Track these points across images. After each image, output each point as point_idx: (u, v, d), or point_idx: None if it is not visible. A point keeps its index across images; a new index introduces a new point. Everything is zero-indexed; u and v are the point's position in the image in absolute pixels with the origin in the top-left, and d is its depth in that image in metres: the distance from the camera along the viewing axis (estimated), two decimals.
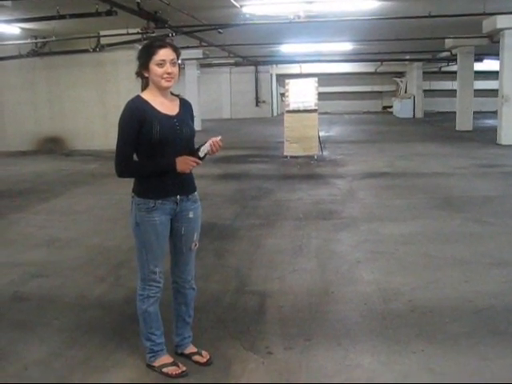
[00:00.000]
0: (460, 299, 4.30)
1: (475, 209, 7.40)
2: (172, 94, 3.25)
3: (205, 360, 3.36)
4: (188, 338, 3.46)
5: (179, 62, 3.16)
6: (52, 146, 16.00)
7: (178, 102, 3.24)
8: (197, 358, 3.38)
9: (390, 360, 3.35)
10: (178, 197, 3.18)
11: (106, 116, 15.78)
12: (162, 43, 3.12)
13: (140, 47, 3.26)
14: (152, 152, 3.11)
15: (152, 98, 3.14)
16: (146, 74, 3.12)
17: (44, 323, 4.06)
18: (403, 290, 4.51)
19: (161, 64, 3.05)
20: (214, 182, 9.90)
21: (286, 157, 12.80)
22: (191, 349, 3.44)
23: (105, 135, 15.77)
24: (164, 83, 3.08)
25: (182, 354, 3.43)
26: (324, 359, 3.40)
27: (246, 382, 3.17)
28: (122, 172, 3.20)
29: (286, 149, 13.02)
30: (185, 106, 3.26)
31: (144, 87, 3.20)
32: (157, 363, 3.29)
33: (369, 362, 3.34)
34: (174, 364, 3.28)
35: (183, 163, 3.07)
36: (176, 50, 3.12)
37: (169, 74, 3.06)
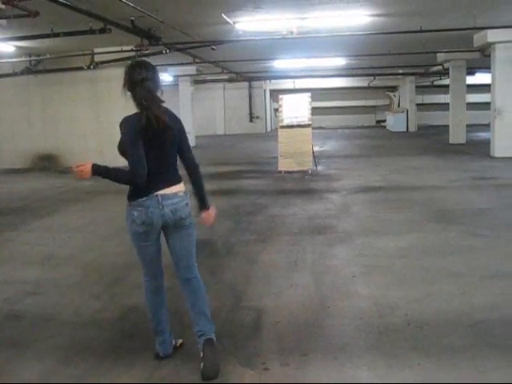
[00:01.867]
0: (456, 312, 4.30)
1: (470, 221, 7.42)
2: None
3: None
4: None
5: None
6: (46, 164, 15.99)
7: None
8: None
9: (387, 374, 3.35)
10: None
11: (100, 133, 15.80)
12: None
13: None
14: None
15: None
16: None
17: (39, 341, 4.04)
18: (399, 303, 4.50)
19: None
20: (208, 197, 9.87)
21: (281, 172, 12.82)
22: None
23: (99, 152, 15.78)
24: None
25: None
26: (321, 374, 3.39)
27: None
28: None
29: (280, 164, 13.05)
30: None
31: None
32: None
33: (365, 377, 3.33)
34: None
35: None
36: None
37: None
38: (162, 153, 3.40)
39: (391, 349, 3.68)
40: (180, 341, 3.79)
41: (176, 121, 3.46)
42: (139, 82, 3.36)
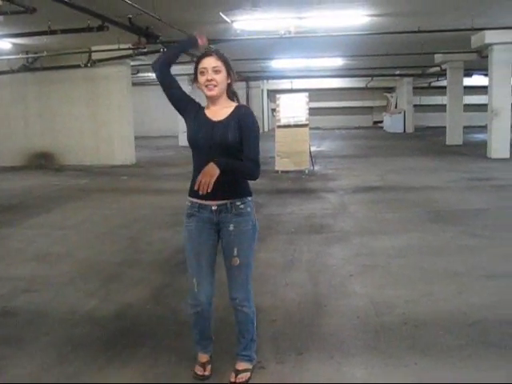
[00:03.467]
0: (453, 312, 4.28)
1: (467, 222, 7.41)
2: (233, 100, 3.24)
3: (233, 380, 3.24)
4: (239, 356, 3.34)
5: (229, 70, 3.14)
6: (43, 162, 15.94)
7: (231, 109, 3.14)
8: (232, 376, 3.27)
9: (383, 373, 3.32)
10: (215, 206, 3.11)
11: (96, 131, 15.79)
12: (206, 52, 3.14)
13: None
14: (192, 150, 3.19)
15: (207, 107, 3.20)
16: (197, 85, 3.14)
17: (33, 338, 4.00)
18: (396, 302, 4.48)
19: (202, 72, 3.08)
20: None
21: (277, 171, 12.79)
22: (238, 365, 3.31)
23: (96, 150, 15.78)
24: (206, 91, 3.10)
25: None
26: (317, 373, 3.37)
27: None
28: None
29: (276, 164, 13.02)
30: (236, 113, 3.12)
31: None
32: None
33: (362, 375, 3.31)
34: (201, 365, 3.33)
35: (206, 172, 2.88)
36: (221, 58, 3.10)
37: (209, 80, 3.06)
38: None
39: (388, 348, 3.66)
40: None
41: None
42: None
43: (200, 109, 3.19)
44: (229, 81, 3.14)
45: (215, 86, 3.06)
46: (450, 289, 4.82)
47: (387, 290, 4.83)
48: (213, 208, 3.10)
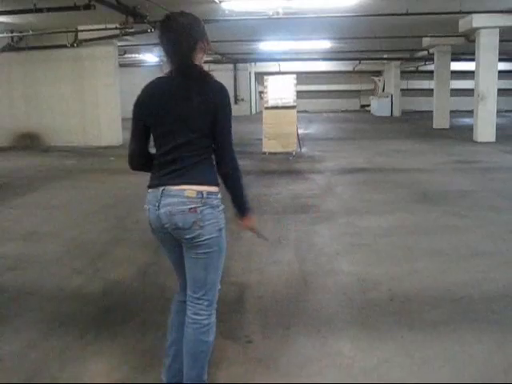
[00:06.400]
0: (438, 289, 4.33)
1: (452, 203, 7.47)
2: None
3: None
4: None
5: None
6: (29, 142, 15.80)
7: None
8: None
9: (370, 347, 3.36)
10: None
11: (83, 112, 15.67)
12: None
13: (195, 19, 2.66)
14: None
15: None
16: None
17: (20, 315, 3.99)
18: (382, 280, 4.53)
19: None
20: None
21: (265, 153, 12.79)
22: None
23: (82, 131, 15.66)
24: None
25: None
26: (304, 347, 3.40)
27: (224, 369, 3.15)
28: None
29: (264, 145, 13.01)
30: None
31: None
32: None
33: (349, 349, 3.34)
34: None
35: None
36: None
37: None
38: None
39: (374, 323, 3.70)
40: None
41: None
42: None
43: None
44: None
45: None
46: (435, 266, 4.87)
47: (373, 267, 4.87)
48: None
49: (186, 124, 2.54)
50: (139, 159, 2.73)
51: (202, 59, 2.66)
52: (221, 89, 2.59)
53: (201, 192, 2.52)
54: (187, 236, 2.55)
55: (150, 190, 2.64)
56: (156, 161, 2.64)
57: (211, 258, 2.61)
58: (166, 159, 2.59)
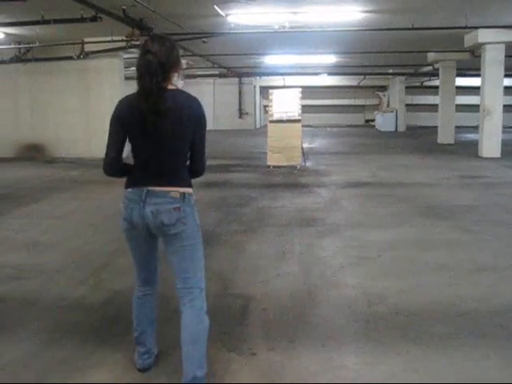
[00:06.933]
0: (444, 303, 4.28)
1: (458, 217, 7.43)
2: None
3: None
4: None
5: None
6: (34, 153, 15.82)
7: None
8: None
9: (375, 361, 3.32)
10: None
11: (88, 124, 15.69)
12: None
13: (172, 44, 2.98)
14: None
15: None
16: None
17: (22, 324, 3.97)
18: (387, 293, 4.49)
19: None
20: (197, 189, 9.72)
21: (269, 166, 12.77)
22: None
23: (87, 143, 15.68)
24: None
25: None
26: (308, 360, 3.36)
27: (228, 382, 3.12)
28: None
29: (269, 159, 13.00)
30: None
31: None
32: None
33: (353, 363, 3.30)
34: None
35: None
36: None
37: None
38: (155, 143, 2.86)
39: (379, 337, 3.66)
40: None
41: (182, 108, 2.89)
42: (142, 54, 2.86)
43: None
44: None
45: None
46: (440, 281, 4.83)
47: (378, 281, 4.83)
48: None
49: (165, 135, 2.84)
50: (117, 166, 2.99)
51: (177, 79, 3.01)
52: (193, 102, 2.96)
53: (183, 193, 2.87)
54: (172, 232, 2.87)
55: (129, 190, 2.92)
56: (137, 163, 2.92)
57: (195, 249, 2.96)
58: (146, 162, 2.88)
